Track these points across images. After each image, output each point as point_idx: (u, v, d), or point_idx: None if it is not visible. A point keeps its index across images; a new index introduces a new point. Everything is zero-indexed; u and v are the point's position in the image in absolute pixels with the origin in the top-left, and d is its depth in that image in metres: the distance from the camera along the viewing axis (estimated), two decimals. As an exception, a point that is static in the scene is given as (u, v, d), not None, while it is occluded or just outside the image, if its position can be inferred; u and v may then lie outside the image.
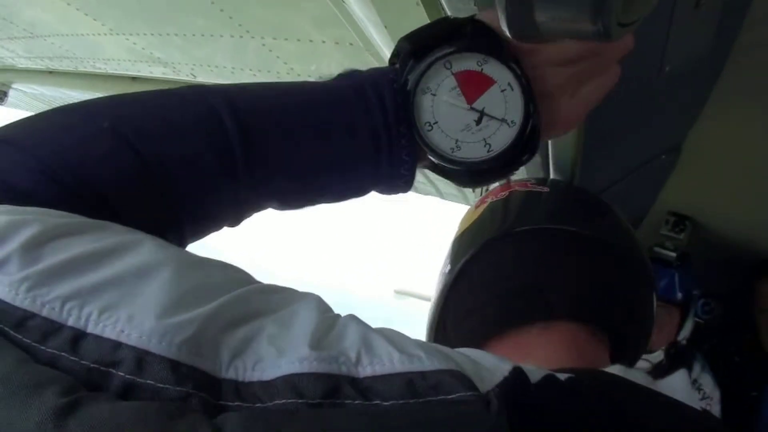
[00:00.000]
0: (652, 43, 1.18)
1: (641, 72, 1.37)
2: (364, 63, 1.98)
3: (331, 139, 0.67)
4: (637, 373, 0.70)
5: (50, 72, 4.15)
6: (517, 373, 0.47)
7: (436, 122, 0.68)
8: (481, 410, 0.41)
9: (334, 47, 2.01)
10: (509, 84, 0.66)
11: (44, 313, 0.40)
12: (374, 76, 0.69)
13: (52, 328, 0.40)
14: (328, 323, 0.47)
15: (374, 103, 0.67)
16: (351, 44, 1.92)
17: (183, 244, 0.65)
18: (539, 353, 0.79)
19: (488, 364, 0.47)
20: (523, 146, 0.69)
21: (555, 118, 0.72)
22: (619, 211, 1.05)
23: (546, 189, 1.03)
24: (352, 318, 0.49)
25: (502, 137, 0.67)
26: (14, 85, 4.75)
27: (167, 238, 0.54)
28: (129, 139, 0.58)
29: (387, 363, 0.43)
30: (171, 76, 3.07)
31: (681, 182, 2.41)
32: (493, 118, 0.67)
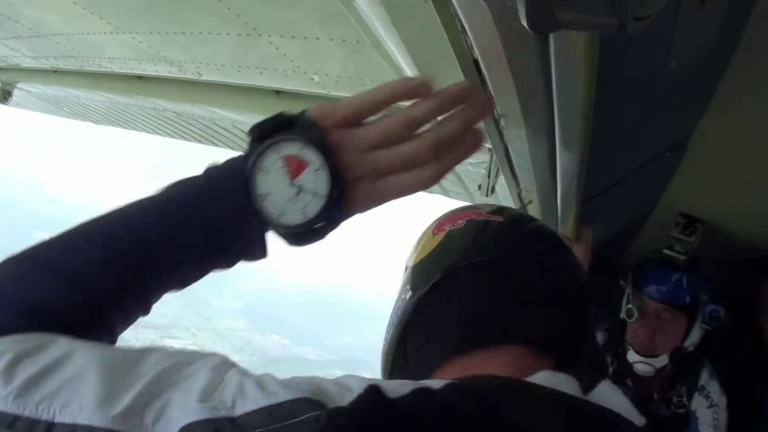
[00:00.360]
0: (657, 39, 1.19)
1: (647, 68, 1.39)
2: (371, 61, 1.98)
3: (191, 243, 0.86)
4: (565, 380, 0.87)
5: (55, 71, 4.15)
6: (371, 390, 0.66)
7: (268, 194, 0.86)
8: (313, 424, 0.60)
9: (341, 45, 2.02)
10: (321, 166, 0.85)
11: (26, 414, 0.63)
12: (227, 168, 0.88)
13: (33, 424, 0.62)
14: (217, 380, 0.67)
15: (227, 194, 0.86)
16: (358, 42, 1.93)
17: (114, 339, 0.84)
18: (489, 372, 0.86)
19: (353, 387, 0.67)
20: (329, 215, 0.87)
21: (355, 197, 0.89)
22: (565, 241, 1.17)
23: (501, 219, 1.10)
24: (239, 372, 0.69)
25: (313, 207, 0.85)
26: (19, 85, 4.75)
27: (102, 338, 0.80)
28: (59, 284, 0.79)
29: (253, 402, 0.63)
30: (177, 74, 3.07)
31: (691, 183, 2.41)
32: (307, 192, 0.85)
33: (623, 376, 2.89)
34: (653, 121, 1.80)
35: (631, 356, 2.82)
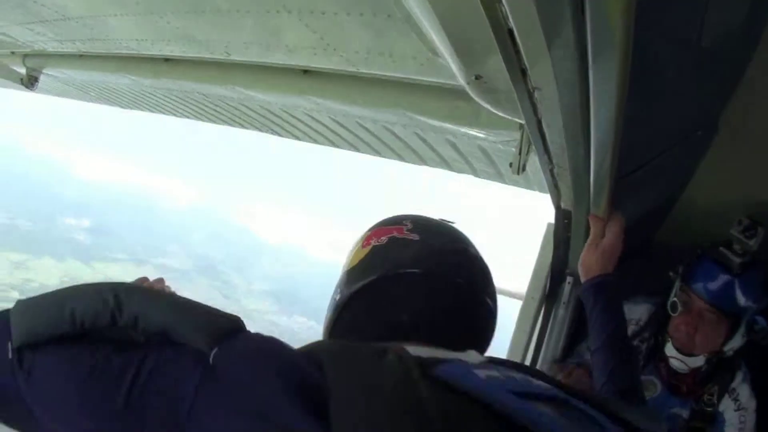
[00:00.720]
0: (689, 17, 1.17)
1: (678, 46, 1.36)
2: (401, 35, 1.96)
3: None
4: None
5: (81, 56, 4.17)
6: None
7: None
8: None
9: (371, 20, 1.99)
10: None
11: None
12: None
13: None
14: None
15: None
16: (388, 16, 1.90)
17: None
18: None
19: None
20: None
21: None
22: (475, 249, 1.39)
23: (417, 237, 1.31)
24: None
25: None
26: (45, 71, 4.76)
27: None
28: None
29: None
30: (204, 55, 3.07)
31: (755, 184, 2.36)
32: None
33: (657, 359, 2.85)
34: (685, 99, 1.77)
35: (669, 349, 2.76)
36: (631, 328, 2.88)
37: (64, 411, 0.94)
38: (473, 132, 2.44)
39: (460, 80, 1.60)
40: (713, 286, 2.61)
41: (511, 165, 2.16)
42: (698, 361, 2.71)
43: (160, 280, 1.59)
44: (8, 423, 0.98)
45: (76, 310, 0.98)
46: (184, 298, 1.06)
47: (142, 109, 5.55)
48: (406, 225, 1.34)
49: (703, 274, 2.65)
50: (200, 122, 5.06)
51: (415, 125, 2.80)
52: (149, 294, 1.04)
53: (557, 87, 1.28)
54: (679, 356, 2.73)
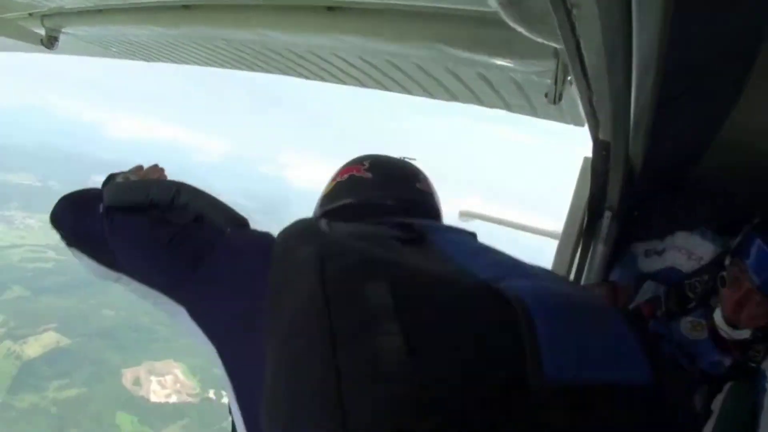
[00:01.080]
0: None
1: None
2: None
3: None
4: None
5: (99, 11, 4.13)
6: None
7: None
8: None
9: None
10: None
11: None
12: None
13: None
14: None
15: None
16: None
17: None
18: None
19: None
20: None
21: None
22: (424, 176, 1.80)
23: (370, 175, 1.70)
24: None
25: None
26: (64, 30, 4.69)
27: None
28: None
29: None
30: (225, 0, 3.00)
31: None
32: None
33: (708, 306, 2.82)
34: (735, 12, 1.68)
35: (717, 315, 2.73)
36: (691, 263, 2.90)
37: (132, 250, 1.48)
38: (506, 62, 2.36)
39: (493, 4, 1.53)
40: (765, 274, 2.56)
41: (546, 95, 2.09)
42: (744, 333, 2.68)
43: (155, 167, 1.90)
44: (95, 257, 1.54)
45: (151, 192, 1.55)
46: (215, 198, 1.60)
47: (165, 61, 5.50)
48: (365, 165, 1.73)
49: (758, 258, 2.59)
50: (226, 70, 5.01)
51: (446, 59, 2.71)
52: (197, 191, 1.59)
53: (597, 3, 1.21)
54: (726, 328, 2.70)
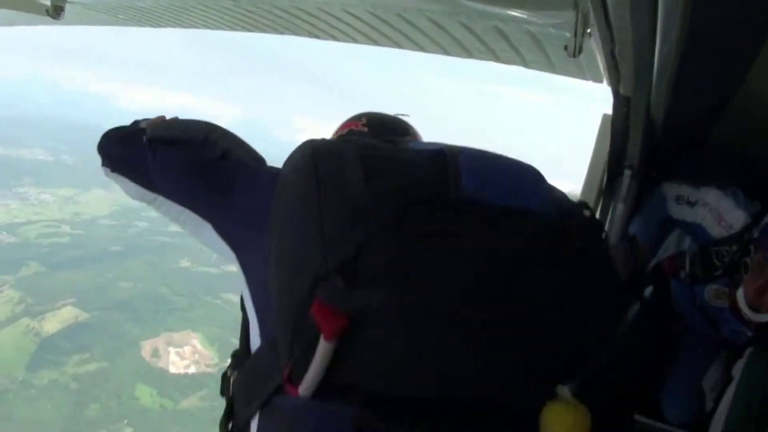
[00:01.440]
0: None
1: None
2: None
3: None
4: None
5: (106, -24, 4.06)
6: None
7: None
8: None
9: None
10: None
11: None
12: None
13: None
14: None
15: None
16: None
17: None
18: None
19: None
20: None
21: None
22: (413, 131, 2.09)
23: (366, 130, 2.01)
24: None
25: None
26: (69, -1, 4.63)
27: None
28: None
29: None
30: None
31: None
32: None
33: (733, 276, 2.82)
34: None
35: (739, 297, 2.75)
36: (720, 230, 2.88)
37: (171, 175, 1.70)
38: (523, 14, 2.29)
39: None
40: None
41: (566, 48, 2.01)
42: (765, 317, 2.68)
43: (176, 118, 2.03)
44: (136, 181, 1.77)
45: (189, 129, 1.79)
46: (240, 138, 1.80)
47: (172, 25, 5.45)
48: (362, 120, 2.04)
49: None
50: (234, 35, 4.97)
51: (460, 12, 2.65)
52: (225, 131, 1.79)
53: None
54: (748, 311, 2.72)
